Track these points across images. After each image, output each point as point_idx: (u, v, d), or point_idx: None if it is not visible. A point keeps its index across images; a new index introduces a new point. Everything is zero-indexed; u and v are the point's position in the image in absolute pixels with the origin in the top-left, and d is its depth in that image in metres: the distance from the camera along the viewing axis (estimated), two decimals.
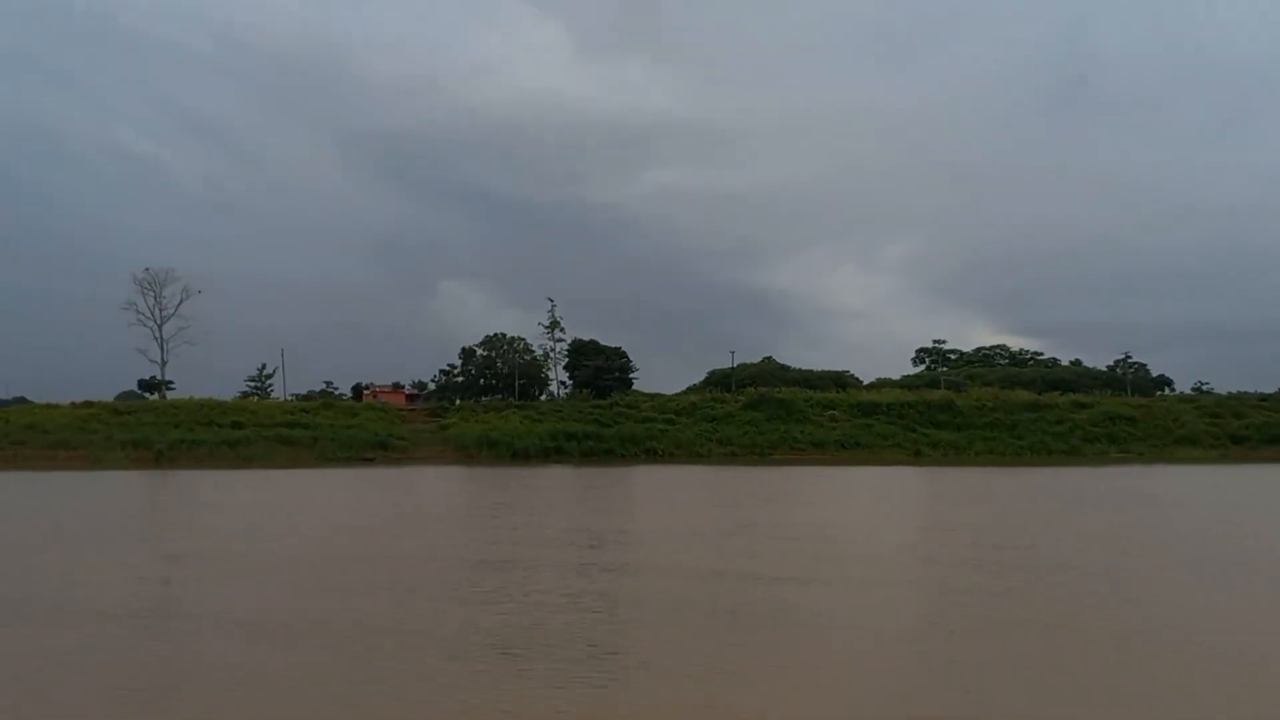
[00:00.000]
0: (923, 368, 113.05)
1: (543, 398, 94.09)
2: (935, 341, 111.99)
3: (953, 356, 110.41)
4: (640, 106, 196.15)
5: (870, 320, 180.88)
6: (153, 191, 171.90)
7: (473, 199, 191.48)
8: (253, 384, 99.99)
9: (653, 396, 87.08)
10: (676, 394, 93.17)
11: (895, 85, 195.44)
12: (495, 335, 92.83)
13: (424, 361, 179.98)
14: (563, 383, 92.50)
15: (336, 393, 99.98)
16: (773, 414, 75.22)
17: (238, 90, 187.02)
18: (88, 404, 79.40)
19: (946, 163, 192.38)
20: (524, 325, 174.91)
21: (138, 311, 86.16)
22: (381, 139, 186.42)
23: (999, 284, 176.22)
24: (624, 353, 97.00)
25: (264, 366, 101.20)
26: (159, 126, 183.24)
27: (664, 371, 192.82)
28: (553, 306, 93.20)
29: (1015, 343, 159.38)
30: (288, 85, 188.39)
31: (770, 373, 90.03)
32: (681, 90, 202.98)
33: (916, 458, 67.97)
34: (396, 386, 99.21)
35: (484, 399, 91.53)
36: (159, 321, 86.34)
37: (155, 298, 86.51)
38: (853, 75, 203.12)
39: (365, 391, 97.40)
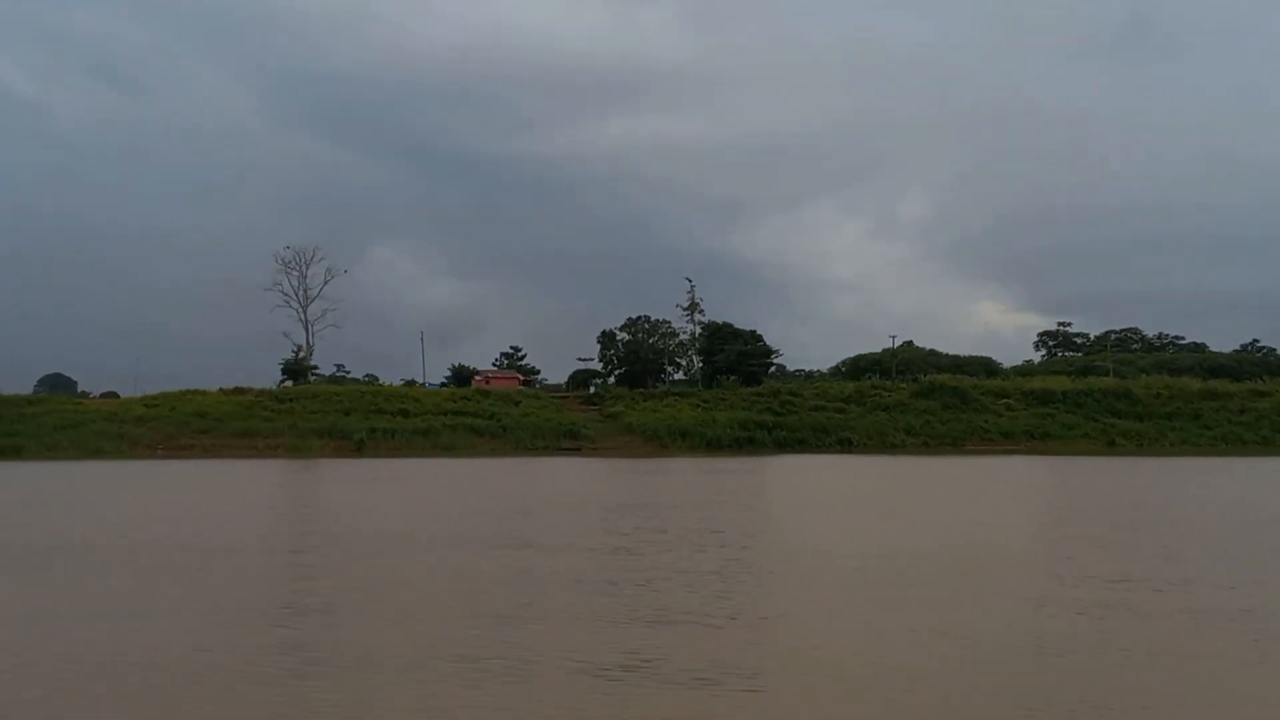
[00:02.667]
0: (1043, 353, 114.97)
1: (677, 379, 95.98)
2: (1060, 324, 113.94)
3: (1079, 340, 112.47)
4: (605, 44, 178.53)
5: (866, 293, 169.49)
6: (39, 132, 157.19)
7: (410, 150, 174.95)
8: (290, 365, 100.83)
9: (812, 383, 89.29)
10: (829, 380, 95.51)
11: (913, 17, 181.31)
12: (638, 318, 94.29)
13: (354, 332, 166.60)
14: (701, 367, 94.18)
15: (349, 375, 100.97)
16: (947, 402, 77.35)
17: (139, 24, 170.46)
18: (240, 390, 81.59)
19: (971, 110, 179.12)
20: (464, 294, 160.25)
21: (282, 293, 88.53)
22: (306, 81, 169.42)
23: (1026, 250, 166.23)
24: (760, 336, 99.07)
25: (299, 349, 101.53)
26: (47, 64, 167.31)
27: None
28: (692, 287, 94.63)
29: (1043, 321, 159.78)
30: (197, 19, 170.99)
31: (920, 359, 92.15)
32: (652, 25, 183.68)
33: (1110, 448, 70.17)
34: (527, 371, 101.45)
35: (619, 386, 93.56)
36: (303, 304, 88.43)
37: (300, 278, 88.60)
38: (862, 3, 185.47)
39: (476, 378, 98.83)
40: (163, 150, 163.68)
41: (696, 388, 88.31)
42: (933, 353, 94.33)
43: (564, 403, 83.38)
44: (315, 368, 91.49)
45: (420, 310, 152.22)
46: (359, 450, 65.67)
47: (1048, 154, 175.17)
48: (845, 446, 69.89)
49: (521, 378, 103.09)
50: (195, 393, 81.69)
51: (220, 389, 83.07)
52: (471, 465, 52.14)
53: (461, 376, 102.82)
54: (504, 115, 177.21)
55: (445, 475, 42.26)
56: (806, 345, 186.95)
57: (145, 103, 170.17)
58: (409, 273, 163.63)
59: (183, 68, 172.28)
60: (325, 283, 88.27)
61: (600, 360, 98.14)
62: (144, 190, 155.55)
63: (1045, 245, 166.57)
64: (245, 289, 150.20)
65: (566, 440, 69.40)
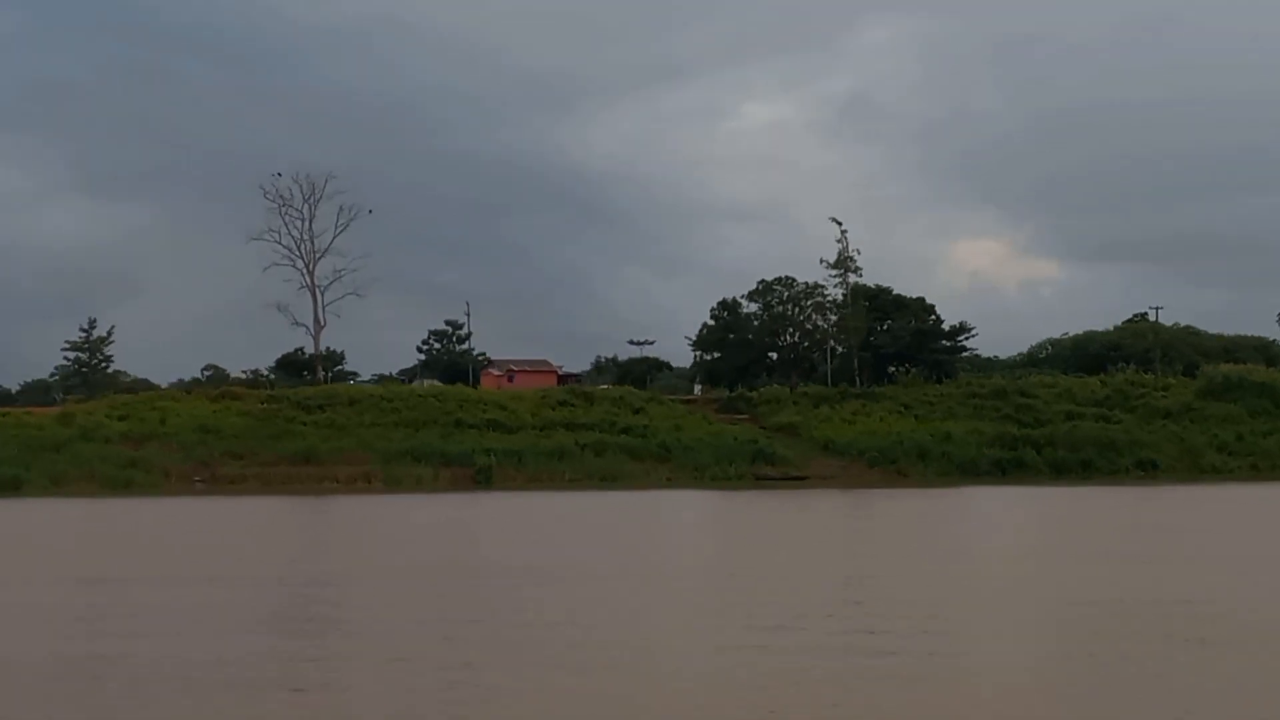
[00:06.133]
0: None
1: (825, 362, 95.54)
2: None
3: None
4: None
5: (775, 224, 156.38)
6: None
7: None
8: (77, 351, 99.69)
9: (1036, 376, 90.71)
10: (1023, 370, 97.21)
11: None
12: (780, 279, 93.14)
13: None
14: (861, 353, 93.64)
15: (206, 376, 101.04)
16: (1253, 406, 79.25)
17: None
18: (229, 394, 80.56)
19: None
20: (103, 227, 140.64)
21: (279, 242, 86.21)
22: None
23: (1057, 168, 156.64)
24: (931, 305, 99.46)
25: (93, 324, 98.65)
26: None
27: (390, 318, 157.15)
28: (843, 232, 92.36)
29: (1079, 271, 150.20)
30: None
31: (1178, 339, 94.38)
32: None
33: None
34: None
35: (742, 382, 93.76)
36: (309, 261, 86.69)
37: (305, 222, 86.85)
38: None
39: (498, 374, 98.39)
40: None
41: (855, 384, 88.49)
42: (1190, 330, 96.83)
43: (692, 408, 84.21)
44: (329, 355, 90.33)
45: (26, 251, 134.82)
46: (486, 482, 65.79)
47: (1113, 28, 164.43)
48: (1147, 471, 71.50)
49: (561, 373, 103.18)
50: (163, 397, 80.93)
51: (205, 396, 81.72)
52: (718, 505, 52.55)
53: (459, 369, 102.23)
54: None
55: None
56: (672, 310, 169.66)
57: None
58: (8, 188, 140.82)
59: None
60: (342, 229, 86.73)
61: (714, 348, 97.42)
62: None
63: (1089, 161, 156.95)
64: None
65: (762, 466, 70.14)
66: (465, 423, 74.61)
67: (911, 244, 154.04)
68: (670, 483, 67.03)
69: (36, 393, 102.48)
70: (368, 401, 77.70)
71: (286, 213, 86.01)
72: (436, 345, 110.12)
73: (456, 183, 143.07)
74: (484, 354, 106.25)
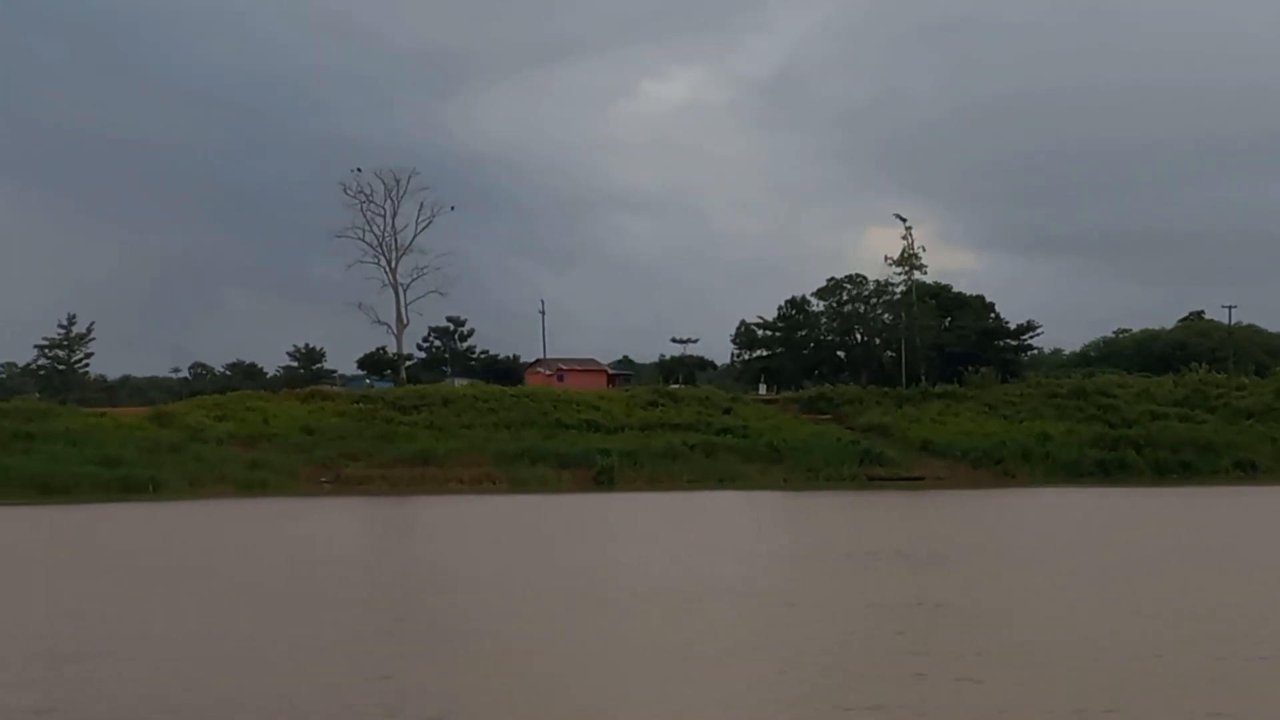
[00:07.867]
0: None
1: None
2: None
3: None
4: None
5: (678, 212, 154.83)
6: None
7: None
8: (56, 349, 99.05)
9: (1105, 379, 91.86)
10: (1075, 369, 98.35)
11: None
12: (852, 276, 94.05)
13: None
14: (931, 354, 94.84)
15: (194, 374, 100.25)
16: None
17: None
18: (319, 394, 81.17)
19: None
20: None
21: (362, 239, 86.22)
22: None
23: (968, 154, 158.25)
24: (991, 303, 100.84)
25: (72, 320, 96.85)
26: None
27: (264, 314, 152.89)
28: (908, 229, 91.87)
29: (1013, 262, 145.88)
30: None
31: (1242, 338, 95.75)
32: None
33: None
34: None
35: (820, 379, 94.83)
36: (391, 259, 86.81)
37: (388, 218, 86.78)
38: None
39: (547, 374, 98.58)
40: None
41: (920, 383, 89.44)
42: (1254, 329, 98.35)
43: (777, 408, 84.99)
44: (410, 358, 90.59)
45: None
46: (609, 483, 66.36)
47: (1050, 10, 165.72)
48: (1247, 472, 72.49)
49: (612, 372, 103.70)
50: (255, 396, 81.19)
51: (295, 394, 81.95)
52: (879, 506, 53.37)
53: (500, 368, 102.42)
54: None
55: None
56: (573, 312, 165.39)
57: None
58: None
59: None
60: (426, 224, 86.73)
61: (777, 345, 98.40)
62: None
63: (1017, 150, 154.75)
64: None
65: (871, 467, 70.85)
66: (564, 423, 75.34)
67: (816, 234, 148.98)
68: (787, 484, 67.59)
69: None
70: (463, 402, 78.37)
71: (370, 210, 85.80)
72: (437, 340, 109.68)
73: (332, 166, 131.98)
74: (485, 350, 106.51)
